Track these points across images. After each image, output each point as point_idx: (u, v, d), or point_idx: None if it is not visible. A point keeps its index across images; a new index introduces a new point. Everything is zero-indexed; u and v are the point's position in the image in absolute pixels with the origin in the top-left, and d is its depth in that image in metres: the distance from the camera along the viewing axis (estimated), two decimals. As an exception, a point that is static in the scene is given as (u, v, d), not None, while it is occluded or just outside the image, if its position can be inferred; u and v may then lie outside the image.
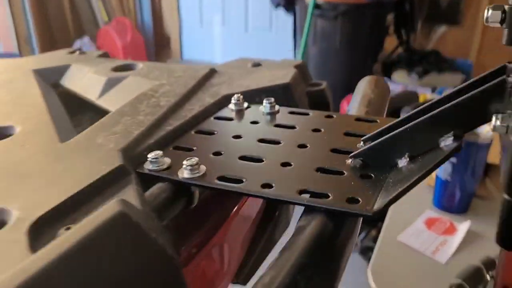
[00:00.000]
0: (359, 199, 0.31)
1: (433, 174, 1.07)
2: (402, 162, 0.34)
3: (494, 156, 0.99)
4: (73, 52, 0.77)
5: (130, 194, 0.33)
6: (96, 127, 0.44)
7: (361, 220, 0.34)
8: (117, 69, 0.62)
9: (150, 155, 0.37)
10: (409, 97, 1.65)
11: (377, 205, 0.30)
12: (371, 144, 0.35)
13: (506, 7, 0.35)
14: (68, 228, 0.29)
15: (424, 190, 1.08)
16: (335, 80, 2.34)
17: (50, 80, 0.65)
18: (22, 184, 0.34)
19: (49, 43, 3.50)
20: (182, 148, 0.41)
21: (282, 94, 0.52)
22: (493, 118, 0.29)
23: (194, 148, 0.41)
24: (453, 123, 0.32)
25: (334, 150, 0.39)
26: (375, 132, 0.38)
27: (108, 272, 0.24)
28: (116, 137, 0.41)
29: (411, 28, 2.62)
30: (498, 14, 0.35)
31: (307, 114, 0.47)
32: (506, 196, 0.36)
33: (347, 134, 0.42)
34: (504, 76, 0.30)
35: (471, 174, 0.96)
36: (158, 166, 0.37)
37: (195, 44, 4.20)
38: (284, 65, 0.59)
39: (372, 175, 0.34)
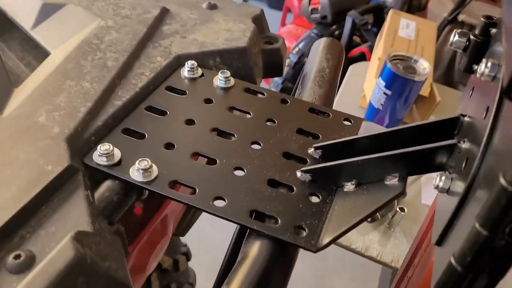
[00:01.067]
0: (305, 229, 0.33)
1: (367, 98, 1.11)
2: (348, 186, 0.36)
3: (424, 89, 1.04)
4: None
5: (79, 206, 0.32)
6: (38, 93, 0.40)
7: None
8: (53, -11, 0.55)
9: (101, 149, 0.36)
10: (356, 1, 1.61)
11: (321, 242, 0.33)
12: (322, 165, 0.37)
13: (471, 36, 0.35)
14: (18, 256, 0.29)
15: (357, 112, 1.13)
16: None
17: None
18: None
19: None
20: (133, 133, 0.40)
21: (237, 58, 0.50)
22: (436, 178, 0.31)
23: (145, 134, 0.40)
24: (400, 167, 0.34)
25: (286, 155, 0.39)
26: (327, 143, 0.39)
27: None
28: (60, 114, 0.38)
29: None
30: (463, 42, 0.35)
31: (262, 93, 0.46)
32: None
33: (299, 131, 0.42)
34: (455, 141, 0.31)
35: (403, 104, 1.01)
36: (108, 162, 0.36)
37: None
38: (242, 13, 0.55)
39: (320, 196, 0.36)
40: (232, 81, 0.46)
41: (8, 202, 0.31)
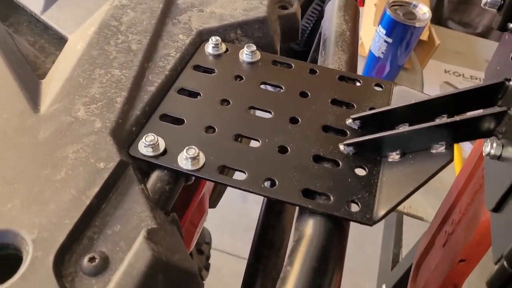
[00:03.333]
0: (358, 203, 0.35)
1: (366, 46, 1.11)
2: (393, 156, 0.37)
3: (423, 33, 1.04)
4: None
5: (138, 201, 0.33)
6: (70, 85, 0.40)
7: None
8: (56, -34, 0.52)
9: (146, 140, 0.36)
10: None
11: (376, 214, 0.34)
12: (366, 138, 0.37)
13: None
14: (92, 259, 0.29)
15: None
16: None
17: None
18: (16, 197, 0.32)
19: None
20: (171, 119, 0.40)
21: (258, 28, 0.49)
22: (487, 145, 0.32)
23: (184, 119, 0.40)
24: (447, 136, 0.35)
25: (325, 128, 0.40)
26: (366, 113, 0.40)
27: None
28: (98, 107, 0.38)
29: None
30: (498, 0, 0.36)
31: (290, 65, 0.46)
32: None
33: (333, 101, 0.42)
34: (505, 109, 0.32)
35: (404, 51, 1.01)
36: (154, 152, 0.36)
37: None
38: (255, -23, 0.54)
39: (366, 168, 0.37)
40: (258, 54, 0.46)
41: (70, 205, 0.31)
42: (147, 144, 0.36)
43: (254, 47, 0.45)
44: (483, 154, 0.32)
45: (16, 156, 0.34)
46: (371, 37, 1.04)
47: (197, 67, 0.44)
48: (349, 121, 0.40)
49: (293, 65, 0.46)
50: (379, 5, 1.09)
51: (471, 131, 0.34)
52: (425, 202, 0.89)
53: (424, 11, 0.97)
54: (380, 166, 0.37)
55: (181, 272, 0.31)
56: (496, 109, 0.33)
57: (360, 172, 0.37)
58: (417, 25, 0.95)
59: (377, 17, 1.01)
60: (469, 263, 0.37)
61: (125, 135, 0.37)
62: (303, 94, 0.43)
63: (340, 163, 0.37)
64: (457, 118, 0.34)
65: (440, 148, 0.35)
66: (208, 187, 0.49)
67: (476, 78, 1.17)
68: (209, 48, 0.46)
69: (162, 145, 0.37)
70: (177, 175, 0.37)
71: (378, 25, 0.99)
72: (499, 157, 0.31)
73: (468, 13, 1.92)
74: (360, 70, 1.11)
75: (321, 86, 0.44)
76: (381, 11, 0.99)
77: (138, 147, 0.37)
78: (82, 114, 0.37)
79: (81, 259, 0.29)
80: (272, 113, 0.41)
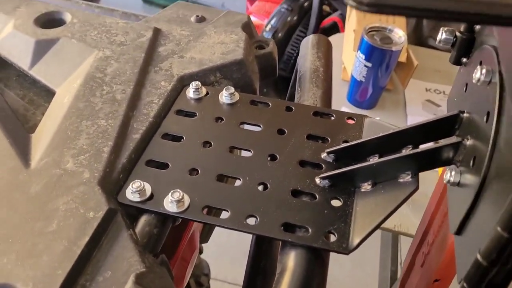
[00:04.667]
0: (335, 233, 0.37)
1: (348, 71, 1.14)
2: (365, 186, 0.40)
3: (401, 55, 1.08)
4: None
5: (127, 247, 0.35)
6: (59, 139, 0.42)
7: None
8: (42, 22, 0.56)
9: (133, 187, 0.38)
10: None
11: (352, 243, 0.36)
12: (340, 171, 0.40)
13: (457, 33, 0.38)
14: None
15: (340, 85, 1.16)
16: None
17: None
18: (11, 252, 0.34)
19: None
20: (156, 163, 0.42)
21: (236, 70, 0.52)
22: (447, 173, 0.34)
23: (168, 163, 0.42)
24: (412, 166, 0.37)
25: (302, 163, 0.42)
26: (339, 147, 0.42)
27: None
28: (86, 158, 0.40)
29: None
30: (450, 39, 0.39)
31: (267, 104, 0.48)
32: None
33: (309, 137, 0.45)
34: (460, 140, 0.34)
35: (384, 73, 1.04)
36: (141, 197, 0.39)
37: None
38: (231, 23, 0.57)
39: (341, 199, 0.39)
40: (237, 95, 0.48)
41: (62, 256, 0.33)
42: (134, 191, 0.38)
43: (232, 89, 0.48)
44: (444, 181, 0.35)
45: (9, 211, 0.36)
46: (352, 62, 1.07)
47: (179, 112, 0.47)
48: (324, 155, 0.43)
49: (270, 104, 0.48)
50: (358, 31, 1.13)
51: (432, 160, 0.37)
52: (415, 219, 0.91)
53: (399, 35, 1.01)
54: (354, 197, 0.39)
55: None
56: (452, 140, 0.35)
57: (335, 203, 0.39)
58: (393, 49, 0.98)
59: (356, 42, 1.05)
60: (443, 282, 0.39)
61: (112, 183, 0.39)
62: (281, 132, 0.45)
63: (317, 196, 0.39)
64: (419, 149, 0.37)
65: (407, 178, 0.38)
66: (197, 224, 0.51)
67: (457, 95, 1.20)
68: (190, 92, 0.48)
69: (148, 190, 0.39)
70: (164, 218, 0.39)
71: (357, 51, 1.03)
72: (458, 184, 0.34)
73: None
74: (344, 94, 1.15)
75: (297, 122, 0.46)
76: (359, 36, 1.02)
77: (126, 194, 0.39)
78: (71, 166, 0.40)
79: (74, 307, 0.31)
80: (252, 151, 0.43)
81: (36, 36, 0.53)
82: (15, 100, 0.54)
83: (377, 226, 0.37)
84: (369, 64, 1.02)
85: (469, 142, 0.34)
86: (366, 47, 1.00)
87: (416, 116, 1.14)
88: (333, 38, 1.37)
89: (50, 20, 0.56)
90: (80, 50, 0.52)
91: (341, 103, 1.14)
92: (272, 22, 1.60)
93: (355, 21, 1.18)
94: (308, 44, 0.57)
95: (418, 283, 0.44)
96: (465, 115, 0.36)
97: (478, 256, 0.27)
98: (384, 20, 1.20)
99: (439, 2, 0.20)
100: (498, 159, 0.29)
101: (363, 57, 1.01)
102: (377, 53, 0.99)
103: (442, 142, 0.36)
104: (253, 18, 1.80)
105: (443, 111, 1.17)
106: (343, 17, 1.52)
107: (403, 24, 1.19)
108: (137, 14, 0.60)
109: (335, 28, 1.54)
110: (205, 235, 0.58)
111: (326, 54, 0.56)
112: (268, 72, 0.57)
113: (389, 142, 0.40)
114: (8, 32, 0.55)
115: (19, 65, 0.53)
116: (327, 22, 1.58)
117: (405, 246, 1.35)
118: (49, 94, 0.51)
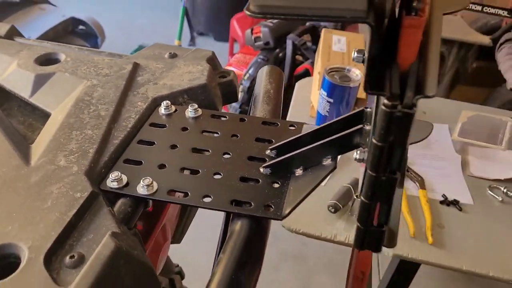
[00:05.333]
0: (272, 206, 0.47)
1: (315, 107, 1.27)
2: (298, 172, 0.50)
3: (361, 92, 1.21)
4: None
5: (107, 218, 0.44)
6: (53, 144, 0.52)
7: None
8: (41, 61, 0.67)
9: (112, 176, 0.48)
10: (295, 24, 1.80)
11: (284, 212, 0.46)
12: (277, 159, 0.50)
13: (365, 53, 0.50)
14: (72, 257, 0.40)
15: (308, 121, 1.28)
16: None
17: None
18: (15, 222, 0.43)
19: None
20: (132, 161, 0.52)
21: (200, 93, 0.63)
22: (355, 153, 0.45)
23: (142, 161, 0.52)
24: (330, 151, 0.48)
25: (250, 158, 0.53)
26: (279, 144, 0.53)
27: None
28: (75, 157, 0.50)
29: None
30: (361, 56, 0.50)
31: (224, 117, 0.59)
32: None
33: (257, 139, 0.56)
34: (361, 126, 0.45)
35: (345, 108, 1.17)
36: (118, 185, 0.48)
37: None
38: (198, 57, 0.69)
39: (279, 182, 0.49)
40: (200, 111, 0.59)
41: (55, 223, 0.43)
42: (113, 179, 0.48)
43: (196, 106, 0.59)
44: (354, 159, 0.45)
45: (13, 195, 0.46)
46: (317, 99, 1.20)
47: (152, 124, 0.58)
48: (268, 152, 0.53)
49: (227, 117, 0.59)
50: (322, 72, 1.26)
51: (345, 144, 0.47)
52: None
53: (356, 73, 1.14)
54: (289, 180, 0.49)
55: (141, 265, 0.42)
56: (356, 127, 0.46)
57: (275, 185, 0.49)
58: (351, 85, 1.11)
59: (320, 82, 1.18)
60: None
61: (96, 175, 0.49)
62: (234, 136, 0.56)
63: (260, 181, 0.50)
64: (331, 137, 0.47)
65: (328, 161, 0.48)
66: (170, 219, 0.60)
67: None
68: (161, 110, 0.59)
69: (125, 179, 0.49)
70: (137, 201, 0.48)
71: (320, 89, 1.16)
72: (362, 160, 0.44)
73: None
74: (313, 129, 1.27)
75: (248, 129, 0.57)
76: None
77: (107, 183, 0.49)
78: (63, 162, 0.50)
79: (64, 258, 0.40)
80: (210, 151, 0.54)
81: (35, 71, 0.65)
82: (16, 125, 0.64)
83: (304, 198, 0.47)
84: (331, 100, 1.14)
85: (367, 127, 0.45)
86: (327, 85, 1.13)
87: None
88: (303, 81, 1.52)
89: (47, 59, 0.68)
90: (72, 81, 0.63)
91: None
92: (250, 71, 1.75)
93: (320, 65, 1.32)
94: (263, 73, 0.69)
95: (353, 254, 0.53)
96: (368, 109, 0.47)
97: (362, 198, 0.37)
98: (347, 61, 1.34)
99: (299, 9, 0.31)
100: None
101: (325, 94, 1.14)
102: (337, 90, 1.12)
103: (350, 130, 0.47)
104: (233, 69, 1.96)
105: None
106: (313, 64, 1.67)
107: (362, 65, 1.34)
108: (121, 54, 0.72)
109: (307, 74, 1.69)
110: (179, 236, 0.67)
111: (277, 80, 0.68)
112: (230, 97, 0.69)
113: (317, 136, 0.51)
114: (13, 70, 0.66)
115: (21, 95, 0.64)
116: (300, 69, 1.73)
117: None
118: (46, 118, 0.62)
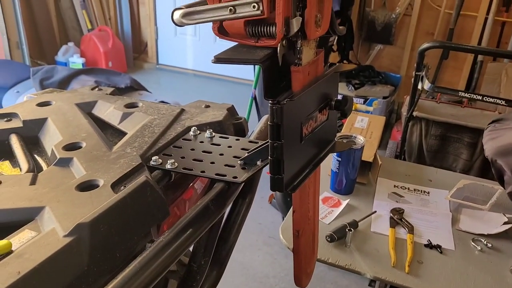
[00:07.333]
0: (237, 176, 0.81)
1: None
2: (259, 163, 0.84)
3: (367, 155, 1.51)
4: (93, 89, 1.24)
5: (146, 174, 0.81)
6: (125, 142, 0.92)
7: (241, 186, 0.83)
8: (127, 106, 1.10)
9: (153, 159, 0.86)
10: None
11: (243, 178, 0.80)
12: (245, 155, 0.85)
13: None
14: (124, 186, 0.77)
15: (326, 178, 1.59)
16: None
17: (85, 110, 1.12)
18: (99, 172, 0.81)
19: (37, 48, 3.87)
20: (167, 155, 0.90)
21: (217, 126, 1.01)
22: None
23: (172, 155, 0.89)
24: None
25: (234, 157, 0.88)
26: (251, 150, 0.88)
27: (136, 208, 0.73)
28: (136, 148, 0.89)
29: (350, 47, 3.15)
30: None
31: (227, 138, 0.96)
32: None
33: (243, 149, 0.91)
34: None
35: (352, 167, 1.47)
36: (156, 164, 0.86)
37: (169, 51, 4.66)
38: (222, 107, 1.08)
39: (247, 167, 0.84)
40: (214, 134, 0.97)
41: (118, 173, 0.80)
42: (153, 161, 0.86)
43: (211, 130, 0.97)
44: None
45: (100, 162, 0.85)
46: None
47: (184, 138, 0.96)
48: (245, 155, 0.88)
49: (229, 138, 0.96)
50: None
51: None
52: (362, 262, 1.25)
53: (360, 139, 1.46)
54: (254, 166, 0.84)
55: (159, 196, 0.77)
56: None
57: (243, 169, 0.84)
58: (354, 147, 1.43)
59: (335, 147, 1.51)
60: (297, 213, 0.78)
61: (145, 158, 0.87)
62: (229, 147, 0.92)
63: (235, 166, 0.84)
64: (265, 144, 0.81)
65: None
66: (189, 198, 0.95)
67: (419, 190, 1.58)
68: (191, 132, 0.98)
69: (160, 161, 0.86)
70: (164, 173, 0.85)
71: (332, 151, 1.48)
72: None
73: (446, 160, 2.37)
74: (328, 184, 1.57)
75: (239, 144, 0.93)
76: (335, 142, 1.49)
77: (150, 163, 0.86)
78: (129, 150, 0.89)
79: (120, 186, 0.77)
80: (212, 152, 0.90)
81: (123, 110, 1.07)
82: (108, 138, 1.06)
83: (254, 173, 0.80)
84: (339, 159, 1.46)
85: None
86: (336, 147, 1.46)
87: (381, 201, 1.52)
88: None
89: (131, 105, 1.11)
90: (142, 117, 1.05)
91: (326, 190, 1.56)
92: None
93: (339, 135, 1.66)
94: (262, 119, 1.06)
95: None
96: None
97: (269, 158, 0.71)
98: (364, 135, 1.67)
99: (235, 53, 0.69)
100: None
101: (336, 154, 1.47)
102: (344, 151, 1.45)
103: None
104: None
105: (405, 200, 1.55)
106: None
107: (377, 139, 1.65)
108: (179, 106, 1.13)
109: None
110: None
111: (270, 123, 1.04)
112: (240, 133, 1.06)
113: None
114: (110, 110, 1.09)
115: (112, 123, 1.06)
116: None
117: None
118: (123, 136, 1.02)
